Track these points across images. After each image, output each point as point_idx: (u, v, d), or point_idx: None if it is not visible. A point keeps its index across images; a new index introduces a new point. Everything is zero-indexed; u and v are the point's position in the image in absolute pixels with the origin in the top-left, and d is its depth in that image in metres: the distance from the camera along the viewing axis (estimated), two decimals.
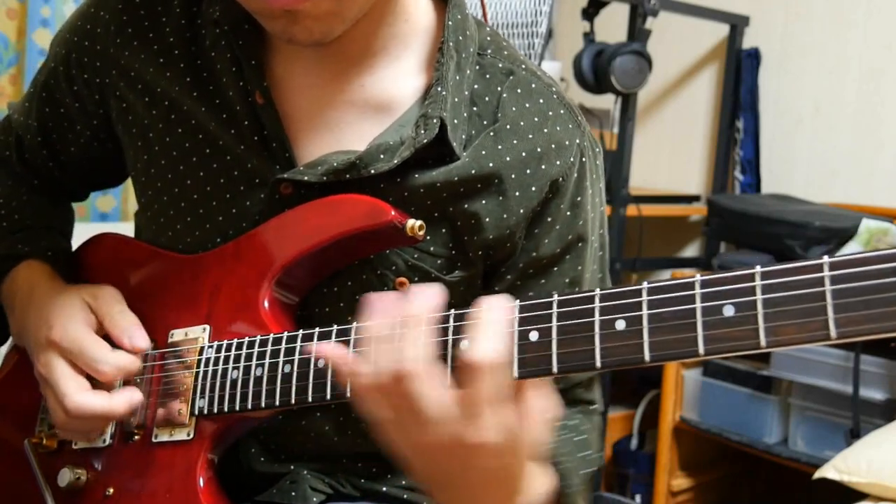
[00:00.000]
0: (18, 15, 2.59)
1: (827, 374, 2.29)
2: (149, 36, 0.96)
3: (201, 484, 0.85)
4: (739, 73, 2.96)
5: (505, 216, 0.89)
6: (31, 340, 0.93)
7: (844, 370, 2.24)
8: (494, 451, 0.66)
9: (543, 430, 0.68)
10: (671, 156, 3.26)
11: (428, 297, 0.69)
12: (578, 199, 0.93)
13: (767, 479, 2.81)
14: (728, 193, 3.00)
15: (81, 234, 1.10)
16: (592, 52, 2.65)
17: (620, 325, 0.63)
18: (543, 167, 0.90)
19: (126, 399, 0.87)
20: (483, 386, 0.64)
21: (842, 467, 1.98)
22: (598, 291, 0.65)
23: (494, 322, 0.66)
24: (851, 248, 2.33)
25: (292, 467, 0.94)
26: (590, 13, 2.70)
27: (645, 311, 0.62)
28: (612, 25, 2.85)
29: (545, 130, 0.91)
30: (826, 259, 0.55)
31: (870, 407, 2.22)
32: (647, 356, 0.61)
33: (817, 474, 2.04)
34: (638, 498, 2.73)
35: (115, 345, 0.90)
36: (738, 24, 2.95)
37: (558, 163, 0.90)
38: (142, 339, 0.90)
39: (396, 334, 0.67)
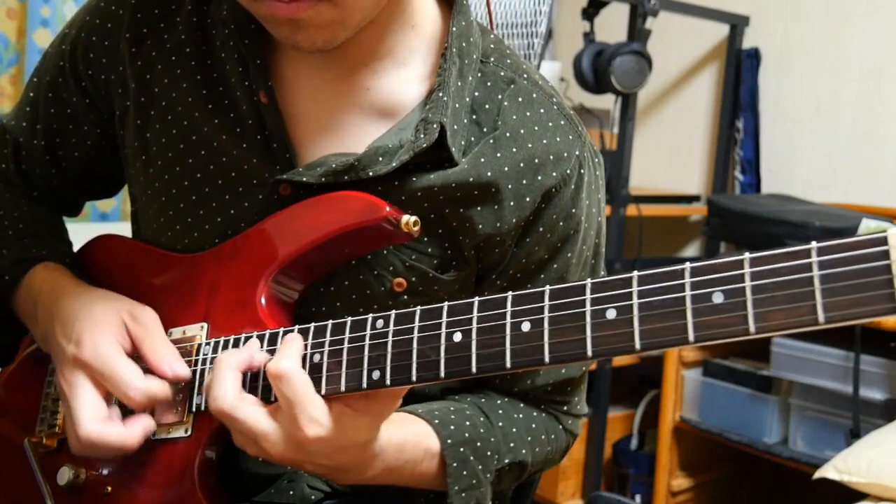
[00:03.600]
0: (18, 15, 2.60)
1: (827, 374, 2.28)
2: (162, 35, 0.96)
3: (199, 481, 0.85)
4: (739, 73, 2.96)
5: (498, 224, 0.90)
6: (56, 351, 0.89)
7: (844, 370, 2.24)
8: (321, 441, 0.76)
9: (369, 425, 0.79)
10: (671, 156, 3.26)
11: (238, 352, 0.81)
12: (573, 210, 0.93)
13: (767, 479, 2.81)
14: (728, 193, 3.00)
15: (81, 234, 1.10)
16: (592, 52, 2.65)
17: (611, 314, 0.64)
18: (539, 178, 0.90)
19: (141, 430, 0.84)
20: (286, 391, 0.75)
21: (842, 467, 1.98)
22: (588, 282, 0.65)
23: (289, 343, 0.78)
24: None
25: (289, 466, 0.94)
26: (590, 13, 2.70)
27: (635, 300, 0.62)
28: (612, 25, 2.86)
29: (544, 141, 0.91)
30: (814, 244, 0.55)
31: (870, 407, 2.21)
32: (637, 344, 0.62)
33: (817, 474, 2.03)
34: (638, 498, 2.73)
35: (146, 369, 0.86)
36: (738, 24, 2.95)
37: (554, 174, 0.91)
38: (183, 369, 0.86)
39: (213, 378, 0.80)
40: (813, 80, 2.85)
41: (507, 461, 0.94)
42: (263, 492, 0.95)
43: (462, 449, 0.90)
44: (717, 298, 0.59)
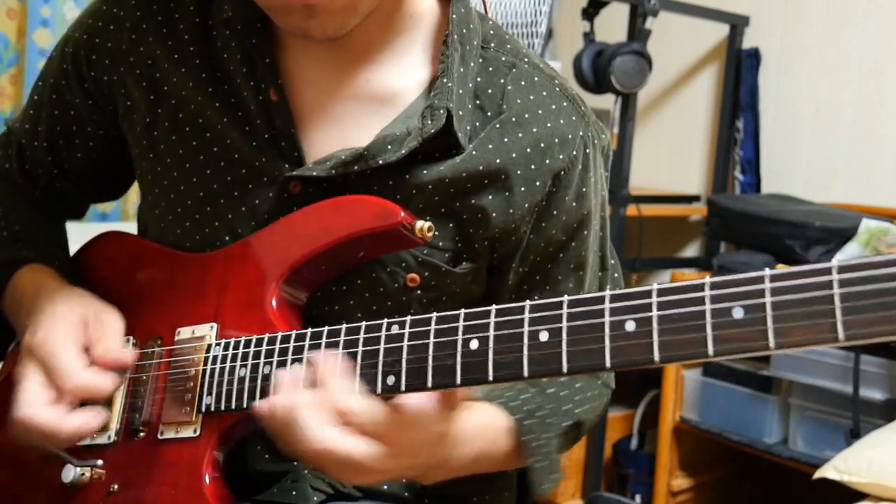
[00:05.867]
0: (18, 15, 2.59)
1: (827, 374, 2.29)
2: (163, 32, 0.96)
3: (207, 481, 0.85)
4: (739, 73, 2.96)
5: (511, 211, 0.91)
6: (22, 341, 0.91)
7: (844, 370, 2.25)
8: (418, 433, 0.76)
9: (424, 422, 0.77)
10: (671, 156, 3.26)
11: (313, 393, 0.76)
12: (584, 189, 0.95)
13: (767, 479, 2.82)
14: (728, 193, 3.00)
15: (82, 234, 1.10)
16: (592, 52, 2.65)
17: (630, 326, 0.64)
18: (547, 161, 0.91)
19: (77, 423, 0.84)
20: (368, 419, 0.74)
21: (842, 467, 1.98)
22: (608, 293, 0.66)
23: (332, 376, 0.76)
24: (851, 249, 2.33)
25: (295, 464, 0.94)
26: (590, 13, 2.70)
27: (655, 313, 0.63)
28: (612, 25, 2.86)
29: (549, 124, 0.92)
30: (835, 263, 0.56)
31: (870, 407, 2.22)
32: (656, 357, 0.62)
33: (817, 474, 2.04)
34: (638, 498, 2.73)
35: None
36: (738, 24, 2.95)
37: (561, 156, 0.92)
38: (123, 355, 0.88)
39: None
40: (813, 80, 2.85)
41: (564, 424, 0.96)
42: (266, 491, 0.95)
43: (527, 422, 0.91)
44: (738, 313, 0.59)
